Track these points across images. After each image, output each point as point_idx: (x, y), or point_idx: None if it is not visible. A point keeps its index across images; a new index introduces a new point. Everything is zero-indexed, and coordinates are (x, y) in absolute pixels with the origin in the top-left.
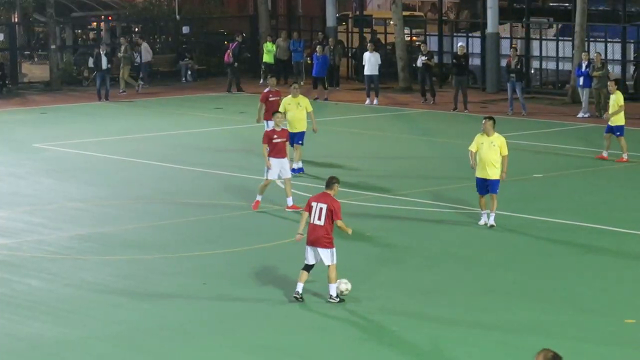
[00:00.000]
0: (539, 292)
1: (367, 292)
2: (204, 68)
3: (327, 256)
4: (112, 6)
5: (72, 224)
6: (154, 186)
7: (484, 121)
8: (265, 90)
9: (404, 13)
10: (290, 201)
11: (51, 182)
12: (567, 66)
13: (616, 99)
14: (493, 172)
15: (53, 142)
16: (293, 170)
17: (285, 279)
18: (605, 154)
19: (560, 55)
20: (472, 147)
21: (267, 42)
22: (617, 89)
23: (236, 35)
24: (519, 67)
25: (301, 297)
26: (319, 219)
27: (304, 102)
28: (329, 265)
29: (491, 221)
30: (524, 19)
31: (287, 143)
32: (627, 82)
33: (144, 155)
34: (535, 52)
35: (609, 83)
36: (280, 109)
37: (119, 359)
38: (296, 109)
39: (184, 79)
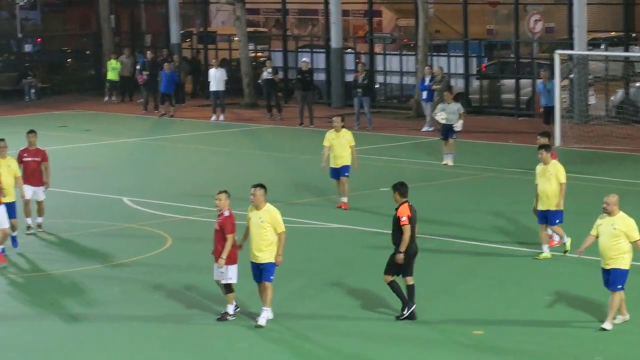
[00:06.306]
0: (379, 301)
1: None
2: (47, 86)
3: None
4: None
5: None
6: None
7: (252, 190)
8: (21, 149)
9: (248, 29)
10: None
11: None
12: (411, 80)
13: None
14: (265, 256)
15: None
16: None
17: (122, 301)
18: (344, 199)
19: (404, 69)
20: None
21: (111, 60)
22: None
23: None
24: (366, 82)
25: None
26: None
27: (14, 165)
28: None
29: (260, 320)
30: (367, 34)
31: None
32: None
33: None
34: (379, 67)
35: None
36: None
37: None
38: (7, 170)
39: (27, 97)
